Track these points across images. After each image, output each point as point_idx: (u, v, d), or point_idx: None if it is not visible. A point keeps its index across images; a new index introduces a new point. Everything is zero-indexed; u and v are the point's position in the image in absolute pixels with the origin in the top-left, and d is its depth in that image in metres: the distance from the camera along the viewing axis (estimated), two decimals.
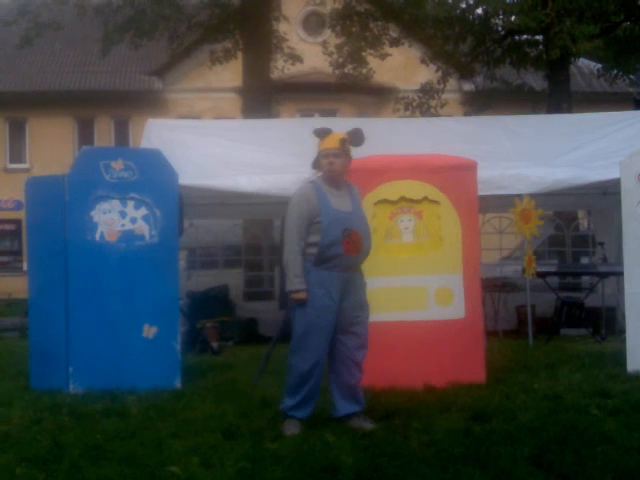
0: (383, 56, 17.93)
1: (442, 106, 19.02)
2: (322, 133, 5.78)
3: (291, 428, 5.56)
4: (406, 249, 7.31)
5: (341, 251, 5.58)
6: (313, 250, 5.59)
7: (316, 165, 5.84)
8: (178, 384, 7.29)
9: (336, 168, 5.73)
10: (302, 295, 5.55)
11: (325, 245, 5.55)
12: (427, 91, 19.10)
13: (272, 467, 4.67)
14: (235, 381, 7.54)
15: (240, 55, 17.07)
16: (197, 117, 21.23)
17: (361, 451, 4.97)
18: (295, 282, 5.57)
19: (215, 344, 10.25)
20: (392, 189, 7.29)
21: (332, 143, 5.73)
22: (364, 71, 18.20)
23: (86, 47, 23.94)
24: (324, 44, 18.51)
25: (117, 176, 7.49)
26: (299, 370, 5.61)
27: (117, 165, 7.50)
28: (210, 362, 9.00)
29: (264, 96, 16.19)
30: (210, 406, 6.36)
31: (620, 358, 7.60)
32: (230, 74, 19.84)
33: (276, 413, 5.87)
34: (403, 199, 7.30)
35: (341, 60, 17.89)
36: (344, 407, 5.77)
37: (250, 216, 13.45)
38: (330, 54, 17.98)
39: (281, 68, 18.37)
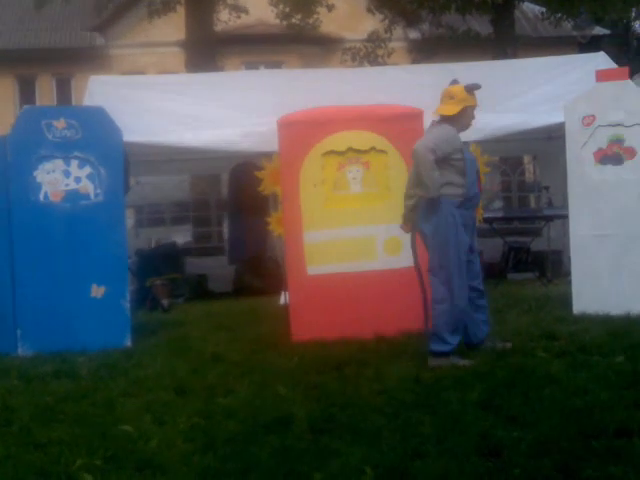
0: (330, 7, 17.76)
1: (389, 55, 18.95)
2: (476, 88, 6.09)
3: (460, 359, 5.80)
4: (354, 200, 7.30)
5: (477, 190, 6.07)
6: (455, 191, 5.90)
7: (458, 115, 6.02)
8: (128, 343, 7.26)
9: None
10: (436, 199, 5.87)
11: (468, 185, 5.94)
12: (374, 40, 19.02)
13: (225, 422, 4.67)
14: (186, 338, 7.55)
15: (183, 8, 16.76)
16: (140, 73, 20.78)
17: (313, 402, 4.99)
18: (434, 189, 5.84)
19: (165, 301, 10.21)
20: (339, 140, 7.26)
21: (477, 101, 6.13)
22: (311, 21, 18.03)
23: (24, 4, 23.28)
24: None
25: (60, 135, 7.39)
26: (460, 308, 5.90)
27: (59, 124, 7.39)
28: (160, 320, 8.99)
29: (208, 49, 15.97)
30: (161, 363, 6.35)
31: (566, 300, 7.71)
32: (173, 28, 19.45)
33: (227, 369, 5.90)
34: (351, 150, 7.27)
35: (288, 10, 17.68)
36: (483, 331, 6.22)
37: (197, 171, 13.36)
38: (276, 4, 17.75)
39: (226, 20, 18.08)
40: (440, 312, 5.89)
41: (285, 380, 5.54)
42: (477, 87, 6.10)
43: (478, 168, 6.24)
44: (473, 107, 6.12)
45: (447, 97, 6.09)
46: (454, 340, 5.88)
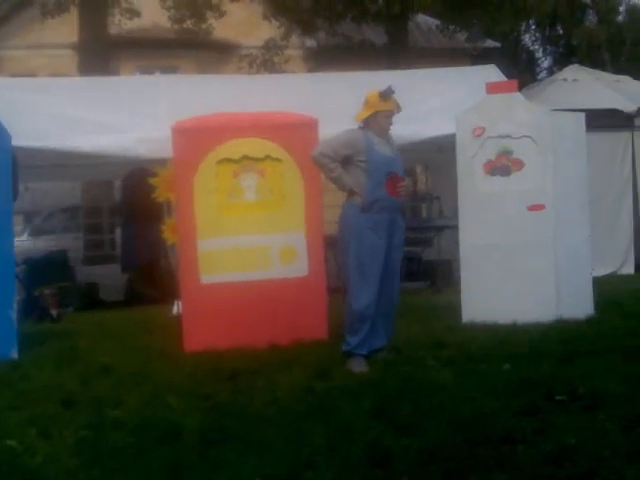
0: (221, 14, 17.68)
1: (285, 62, 19.01)
2: (390, 94, 6.20)
3: (359, 365, 5.95)
4: (249, 208, 7.29)
5: (385, 193, 6.05)
6: (355, 195, 6.06)
7: (369, 120, 6.23)
8: (15, 354, 7.04)
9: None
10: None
11: (371, 187, 6.03)
12: (270, 48, 19.03)
13: (114, 434, 4.59)
14: (75, 348, 7.36)
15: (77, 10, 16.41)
16: (31, 75, 20.18)
17: (205, 413, 4.96)
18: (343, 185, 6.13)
19: (54, 311, 9.95)
20: (234, 148, 7.23)
21: (395, 106, 6.28)
22: (204, 26, 17.92)
23: None
24: None
25: None
26: (356, 310, 6.01)
27: None
28: (49, 330, 8.77)
29: (101, 52, 15.64)
30: (49, 375, 6.19)
31: (455, 309, 7.82)
32: (67, 29, 18.98)
33: (117, 380, 5.79)
34: (245, 157, 7.25)
35: (179, 15, 17.53)
36: (379, 341, 6.24)
37: (89, 177, 13.09)
38: (168, 9, 17.57)
39: (117, 22, 17.78)
40: (346, 312, 6.15)
41: (176, 391, 5.49)
42: (390, 92, 6.22)
43: (393, 171, 6.18)
44: (386, 112, 6.24)
45: (363, 103, 6.32)
46: (352, 341, 6.06)
